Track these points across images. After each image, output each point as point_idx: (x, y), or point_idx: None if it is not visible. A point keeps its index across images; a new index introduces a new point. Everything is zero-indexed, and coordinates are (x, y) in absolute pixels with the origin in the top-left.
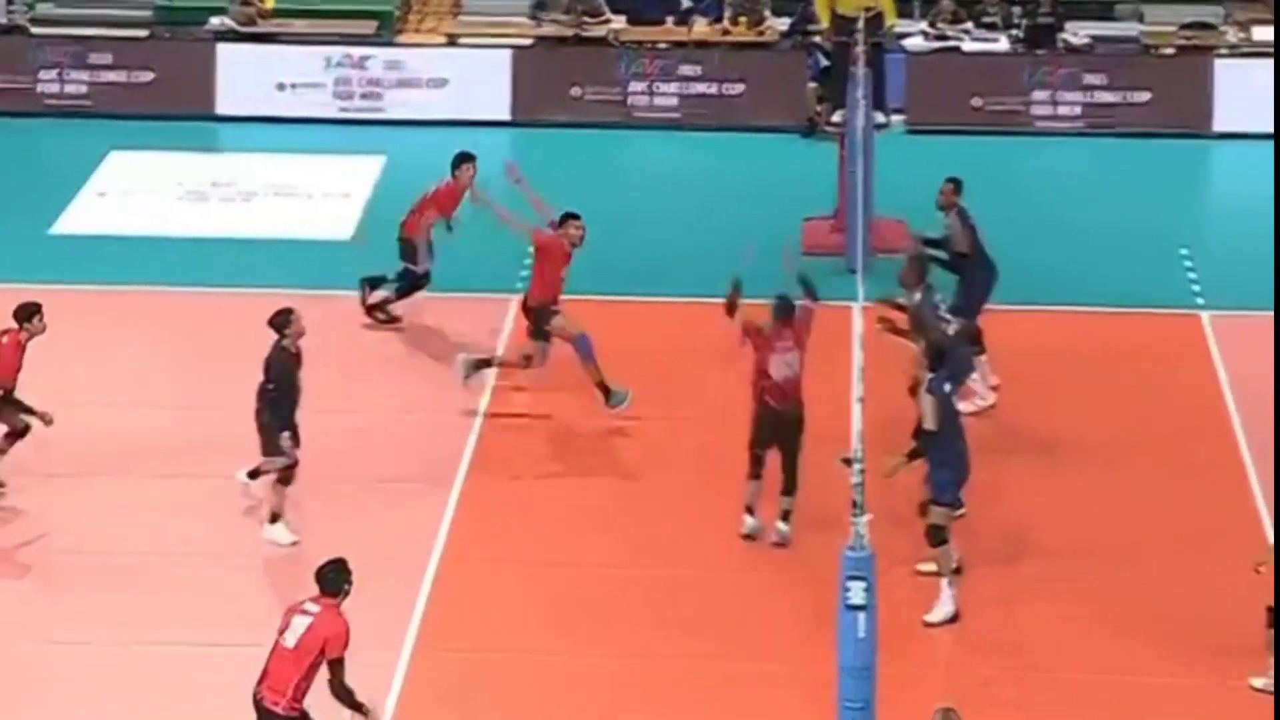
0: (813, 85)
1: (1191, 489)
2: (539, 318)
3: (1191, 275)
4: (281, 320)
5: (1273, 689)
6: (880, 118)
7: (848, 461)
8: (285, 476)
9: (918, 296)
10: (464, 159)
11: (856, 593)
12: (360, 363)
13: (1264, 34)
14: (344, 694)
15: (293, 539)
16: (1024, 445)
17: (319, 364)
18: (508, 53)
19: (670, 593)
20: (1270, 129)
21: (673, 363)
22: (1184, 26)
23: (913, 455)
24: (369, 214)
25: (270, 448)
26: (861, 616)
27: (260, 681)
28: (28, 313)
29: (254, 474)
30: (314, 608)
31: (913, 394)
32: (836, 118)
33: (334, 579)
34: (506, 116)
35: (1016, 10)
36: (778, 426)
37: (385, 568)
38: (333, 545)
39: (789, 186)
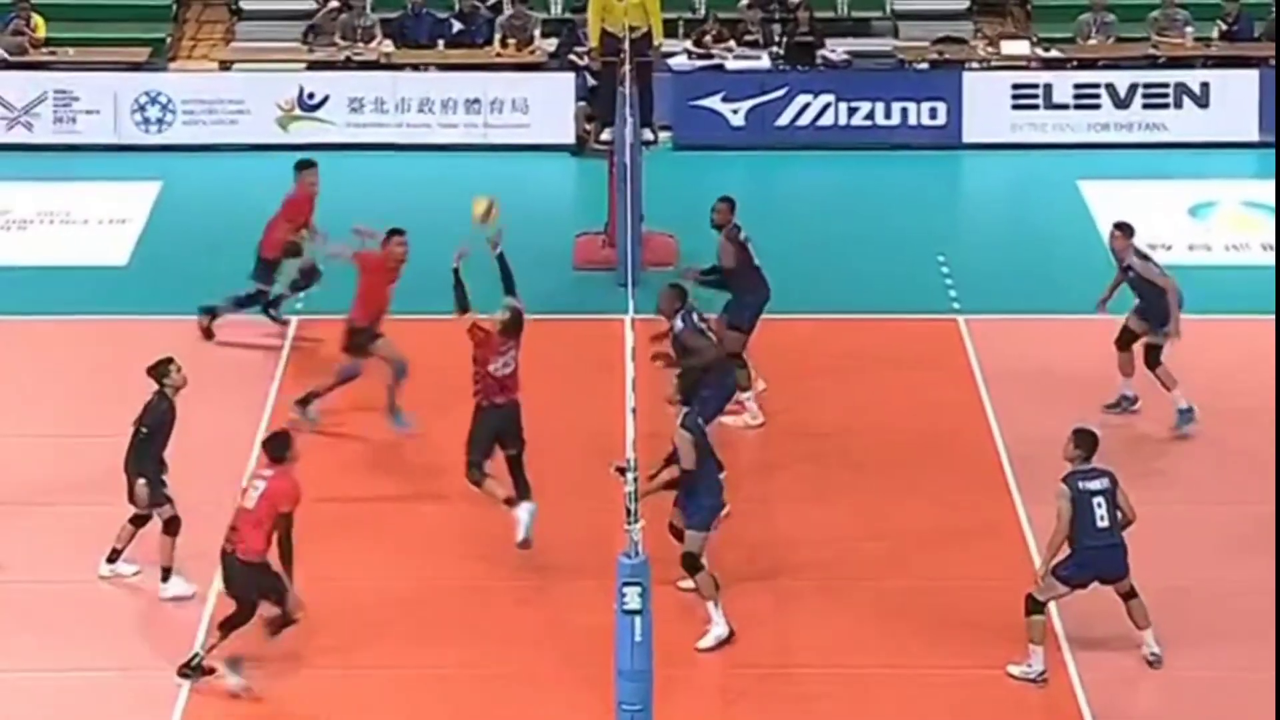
0: (581, 104)
1: (952, 486)
2: (361, 337)
3: (948, 281)
4: (161, 370)
5: (1032, 677)
6: (648, 135)
7: (621, 470)
8: (171, 529)
9: (679, 324)
10: (305, 165)
11: (632, 598)
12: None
13: (1011, 48)
14: (287, 549)
15: (193, 589)
16: (792, 452)
17: (99, 390)
18: (284, 76)
19: (477, 605)
20: (1010, 140)
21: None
22: (936, 41)
23: (669, 485)
24: (145, 240)
25: (154, 496)
26: (638, 621)
27: (227, 539)
28: None
29: (113, 558)
30: (267, 473)
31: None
32: (605, 135)
33: (278, 447)
34: (284, 140)
35: (777, 29)
36: (502, 421)
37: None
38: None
39: (560, 203)
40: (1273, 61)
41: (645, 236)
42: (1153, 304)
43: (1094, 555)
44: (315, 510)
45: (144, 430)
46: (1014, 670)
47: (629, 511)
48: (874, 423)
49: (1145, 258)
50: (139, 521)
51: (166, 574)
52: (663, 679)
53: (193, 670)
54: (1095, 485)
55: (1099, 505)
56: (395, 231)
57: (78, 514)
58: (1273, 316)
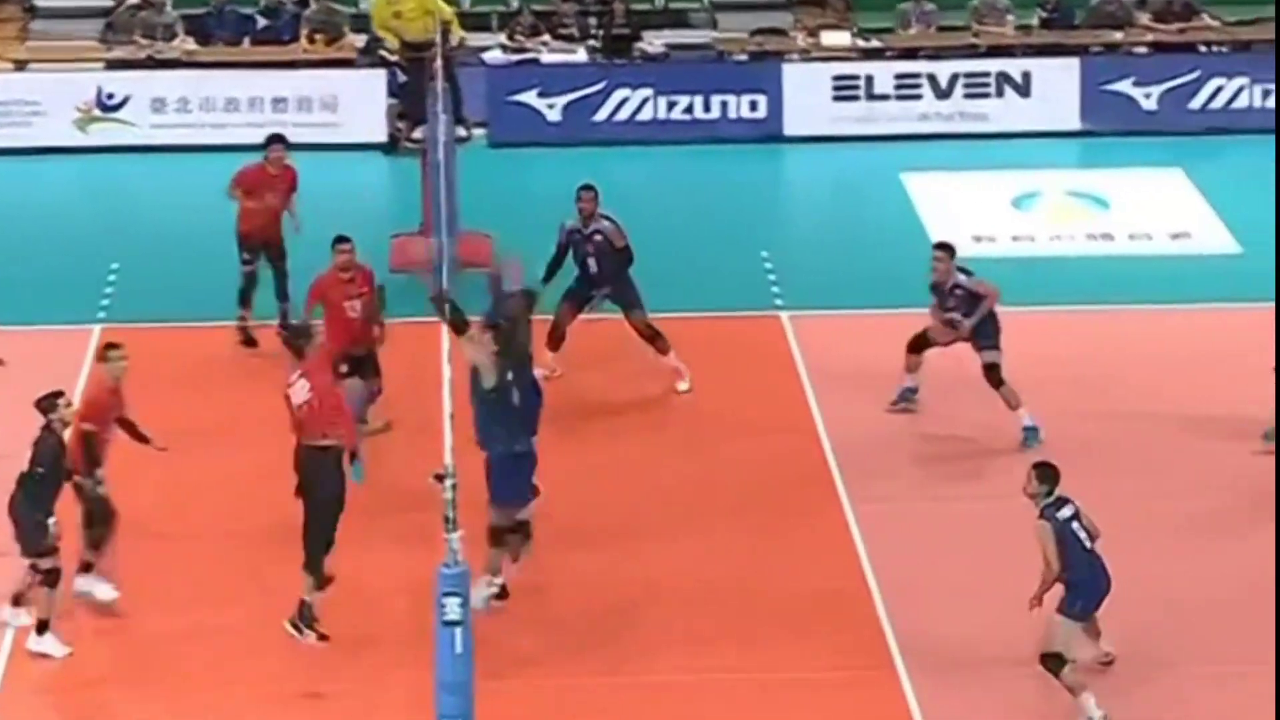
0: (392, 101)
1: (776, 481)
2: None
3: (771, 278)
4: (48, 403)
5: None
6: (461, 132)
7: (439, 478)
8: (51, 579)
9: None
10: (274, 139)
11: (452, 608)
12: None
13: (832, 39)
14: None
15: (67, 650)
16: (618, 453)
17: None
18: (82, 76)
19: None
20: (832, 132)
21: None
22: (755, 33)
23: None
24: None
25: (34, 542)
26: (458, 632)
27: (300, 435)
28: None
29: (18, 600)
30: (298, 374)
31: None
32: (417, 134)
33: (297, 342)
34: (83, 143)
35: (593, 21)
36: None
37: None
38: None
39: (375, 204)
40: (1093, 50)
41: (461, 236)
42: (986, 320)
43: (1094, 578)
44: None
45: (39, 470)
46: None
47: (448, 520)
48: (701, 421)
49: (967, 273)
50: (53, 583)
51: (43, 627)
52: (485, 690)
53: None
54: (1068, 512)
55: (1078, 530)
56: (339, 240)
57: None
58: (1099, 307)
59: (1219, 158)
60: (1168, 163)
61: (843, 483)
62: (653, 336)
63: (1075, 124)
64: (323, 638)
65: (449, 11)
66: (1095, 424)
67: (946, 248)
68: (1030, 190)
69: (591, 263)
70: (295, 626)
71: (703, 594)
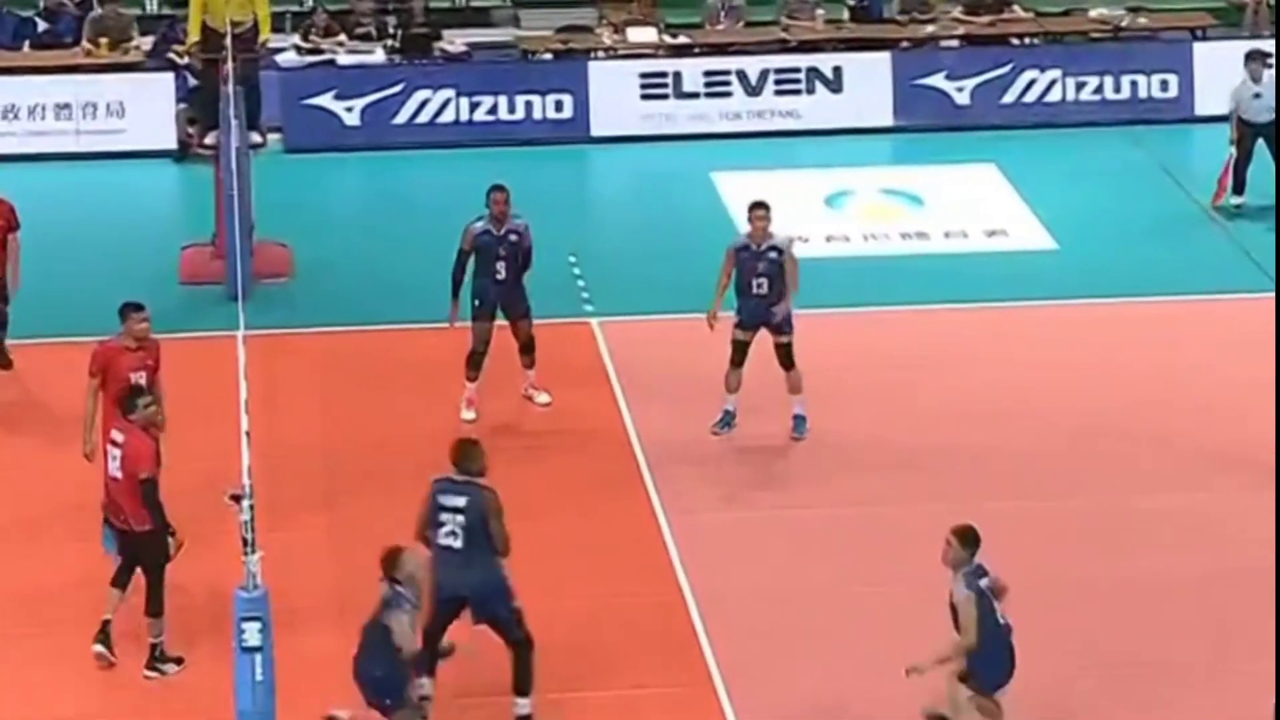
0: (182, 106)
1: (592, 494)
2: None
3: (580, 283)
4: (129, 403)
5: None
6: (256, 137)
7: (236, 498)
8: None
9: None
10: None
11: (252, 634)
12: None
13: (638, 35)
14: (157, 512)
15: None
16: (420, 461)
17: None
18: None
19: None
20: (640, 131)
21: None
22: (559, 30)
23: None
24: None
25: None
26: (258, 658)
27: (115, 518)
28: None
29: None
30: (119, 437)
31: None
32: (209, 139)
33: (129, 404)
34: None
35: (391, 20)
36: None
37: None
38: None
39: (165, 213)
40: (904, 44)
41: (257, 246)
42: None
43: (1004, 653)
44: None
45: None
46: None
47: (245, 542)
48: (516, 432)
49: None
50: None
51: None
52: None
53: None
54: (986, 582)
55: (996, 602)
56: (132, 307)
57: None
58: (914, 307)
59: (1033, 153)
60: (982, 158)
61: (652, 483)
62: (530, 349)
63: (888, 120)
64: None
65: (266, 9)
66: (909, 426)
67: (766, 205)
68: (843, 189)
69: (502, 267)
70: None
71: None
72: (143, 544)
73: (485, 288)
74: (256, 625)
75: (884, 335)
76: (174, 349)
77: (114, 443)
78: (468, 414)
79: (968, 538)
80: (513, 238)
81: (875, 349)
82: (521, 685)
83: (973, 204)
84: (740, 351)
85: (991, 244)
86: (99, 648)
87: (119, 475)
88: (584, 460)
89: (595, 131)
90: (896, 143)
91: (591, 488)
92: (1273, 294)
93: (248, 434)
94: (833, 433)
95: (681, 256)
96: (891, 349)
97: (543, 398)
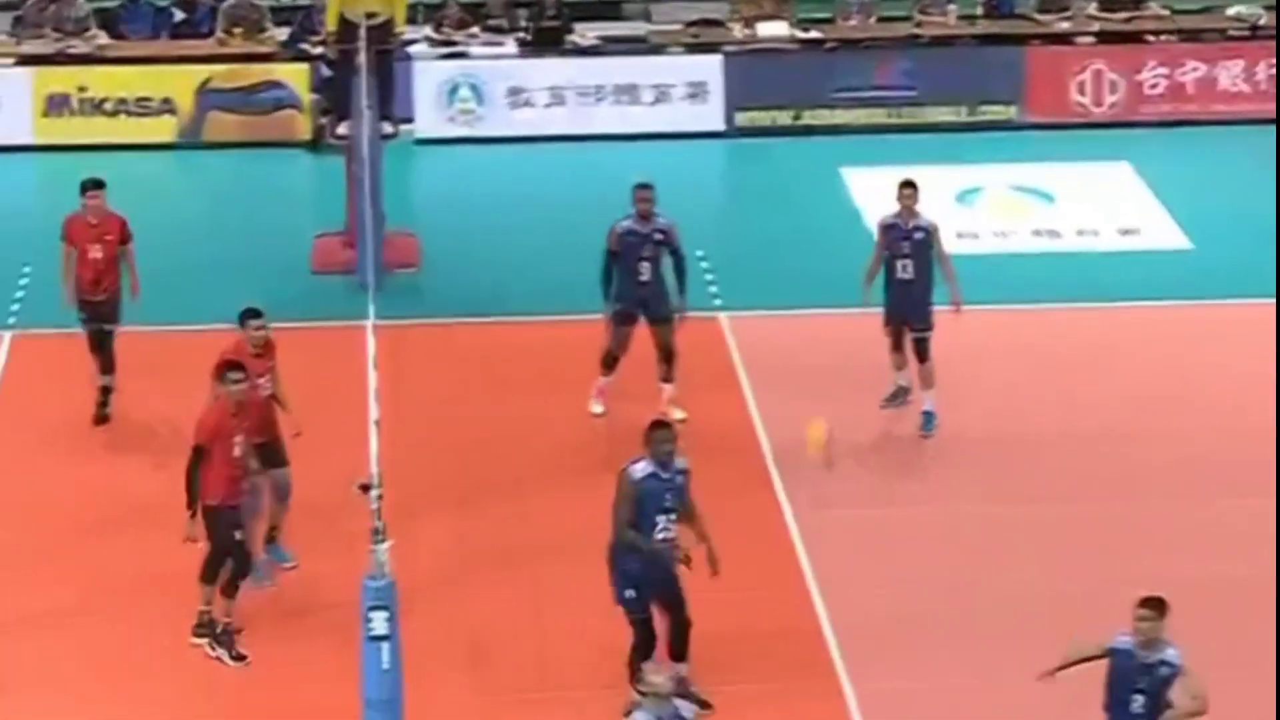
0: (315, 96)
1: (719, 491)
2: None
3: (709, 278)
4: (222, 375)
5: None
6: (387, 128)
7: (365, 488)
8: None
9: None
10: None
11: (379, 623)
12: None
13: (770, 29)
14: (189, 481)
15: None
16: (546, 457)
17: None
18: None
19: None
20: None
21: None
22: (691, 24)
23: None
24: None
25: None
26: (385, 647)
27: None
28: None
29: None
30: None
31: None
32: (342, 129)
33: (223, 376)
34: (31, 139)
35: (523, 13)
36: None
37: None
38: None
39: (297, 203)
40: (1037, 40)
41: (387, 237)
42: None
43: None
44: None
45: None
46: None
47: (374, 531)
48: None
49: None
50: None
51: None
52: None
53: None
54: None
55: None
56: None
57: None
58: (1046, 305)
59: (1167, 151)
60: (1115, 156)
61: (780, 485)
62: (669, 358)
63: (1019, 117)
64: (240, 658)
65: (403, 3)
66: (1042, 424)
67: (914, 184)
68: (974, 185)
69: (646, 267)
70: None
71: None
72: (206, 516)
73: (627, 288)
74: (384, 614)
75: (1015, 332)
76: (303, 337)
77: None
78: (596, 407)
79: (1164, 606)
80: (658, 236)
81: (1006, 346)
82: (682, 653)
83: (1105, 202)
84: (895, 338)
85: (1124, 243)
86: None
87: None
88: (711, 455)
89: (724, 125)
90: (1027, 140)
91: (719, 484)
92: None
93: (377, 423)
94: (961, 429)
95: (810, 252)
96: (1022, 346)
97: (678, 414)
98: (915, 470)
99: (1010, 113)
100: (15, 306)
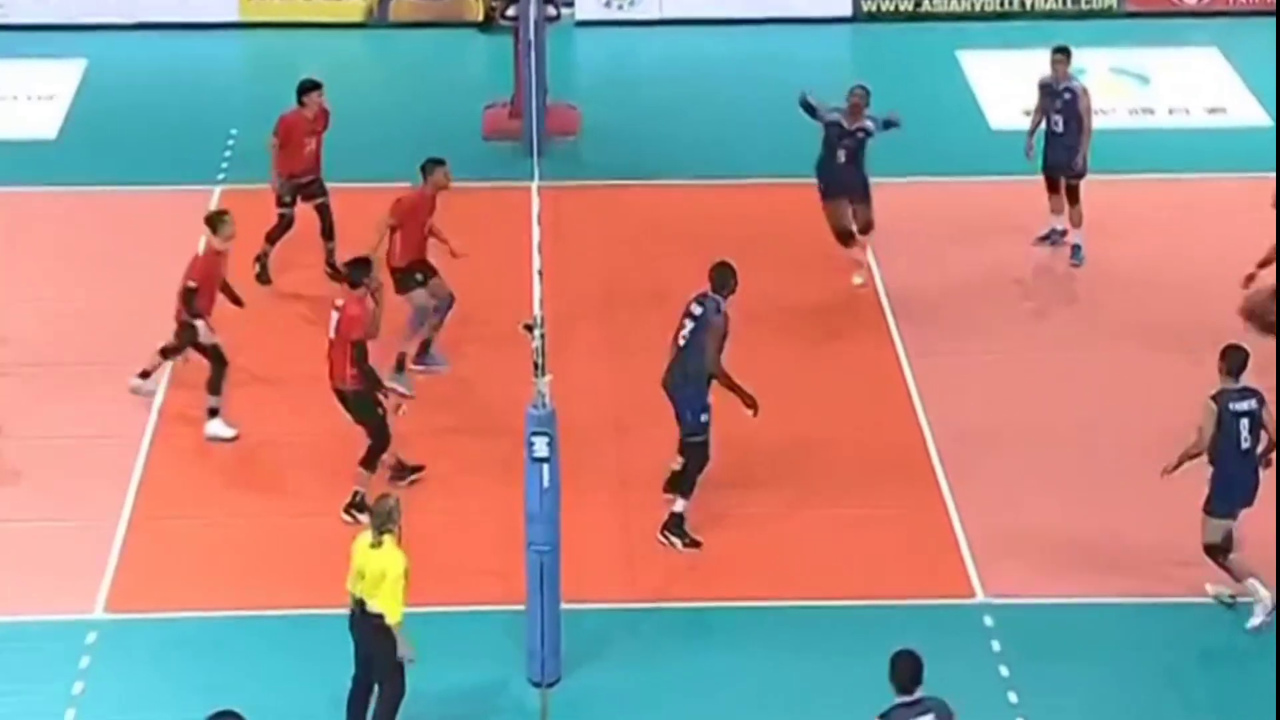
0: None
1: (838, 337)
2: (405, 277)
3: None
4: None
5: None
6: (551, 10)
7: (529, 328)
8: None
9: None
10: (311, 86)
11: (540, 447)
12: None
13: None
14: (367, 374)
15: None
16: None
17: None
18: None
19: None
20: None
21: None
22: None
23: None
24: (72, 115)
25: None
26: (545, 468)
27: (330, 375)
28: None
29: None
30: (340, 301)
31: None
32: (511, 11)
33: (354, 274)
34: (236, 18)
35: None
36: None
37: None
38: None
39: (469, 77)
40: None
41: (550, 108)
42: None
43: (1239, 482)
44: None
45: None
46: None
47: (536, 366)
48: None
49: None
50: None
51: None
52: (569, 523)
53: (356, 509)
54: (1244, 406)
55: (1244, 427)
56: (435, 162)
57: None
58: (1140, 175)
59: (1253, 37)
60: (1205, 42)
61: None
62: (865, 229)
63: (1117, 4)
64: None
65: None
66: (1151, 284)
67: (1066, 50)
68: (1076, 68)
69: (842, 154)
70: None
71: (782, 445)
72: (353, 402)
73: (829, 170)
74: (545, 439)
75: (1113, 203)
76: (474, 197)
77: (335, 306)
78: (857, 279)
79: (1233, 355)
80: (860, 134)
81: (1105, 216)
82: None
83: (1195, 84)
84: (1050, 184)
85: (1212, 120)
86: (346, 516)
87: (334, 336)
88: (832, 305)
89: (850, 12)
90: (1126, 26)
91: (837, 332)
92: None
93: (540, 272)
94: (1076, 284)
95: (928, 132)
96: (1119, 215)
97: (857, 279)
98: (1022, 316)
99: (1111, 1)
100: (225, 165)
